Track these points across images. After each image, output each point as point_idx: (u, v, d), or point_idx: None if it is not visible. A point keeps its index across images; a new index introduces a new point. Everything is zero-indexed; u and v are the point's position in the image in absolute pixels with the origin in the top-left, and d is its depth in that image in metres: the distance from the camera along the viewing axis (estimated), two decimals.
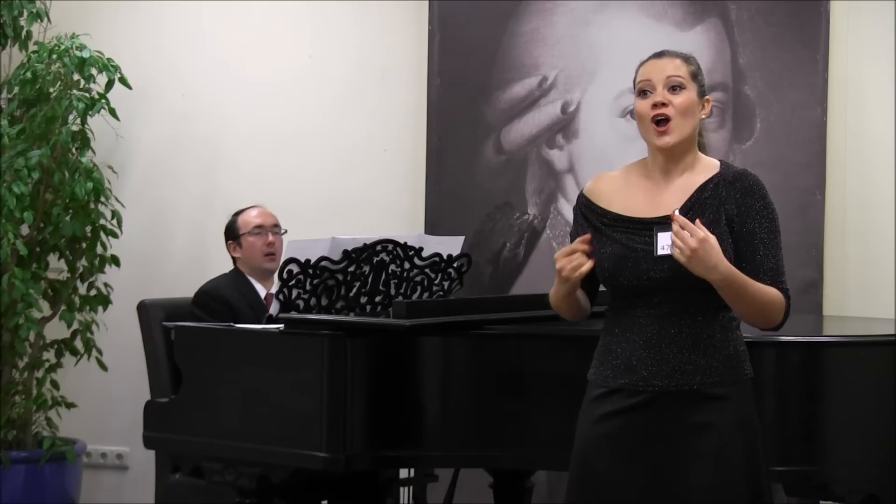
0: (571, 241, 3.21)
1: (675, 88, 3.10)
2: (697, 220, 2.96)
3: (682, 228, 2.93)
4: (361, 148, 5.55)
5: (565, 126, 5.26)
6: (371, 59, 5.54)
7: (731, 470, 3.05)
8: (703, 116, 3.16)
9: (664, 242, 3.01)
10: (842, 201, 5.07)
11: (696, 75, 3.15)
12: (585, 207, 3.20)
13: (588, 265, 3.05)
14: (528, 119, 5.29)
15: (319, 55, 5.60)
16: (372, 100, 5.54)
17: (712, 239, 2.93)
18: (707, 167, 3.15)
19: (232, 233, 4.76)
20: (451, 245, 4.10)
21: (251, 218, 4.74)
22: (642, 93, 3.13)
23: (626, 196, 3.16)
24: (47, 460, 5.28)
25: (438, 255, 4.03)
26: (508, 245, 5.30)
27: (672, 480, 3.05)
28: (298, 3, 5.62)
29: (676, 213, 2.98)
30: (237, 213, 4.79)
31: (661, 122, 3.09)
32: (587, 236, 3.09)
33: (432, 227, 5.21)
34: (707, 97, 3.17)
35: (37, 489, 5.29)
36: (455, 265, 4.09)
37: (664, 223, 3.04)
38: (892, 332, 3.71)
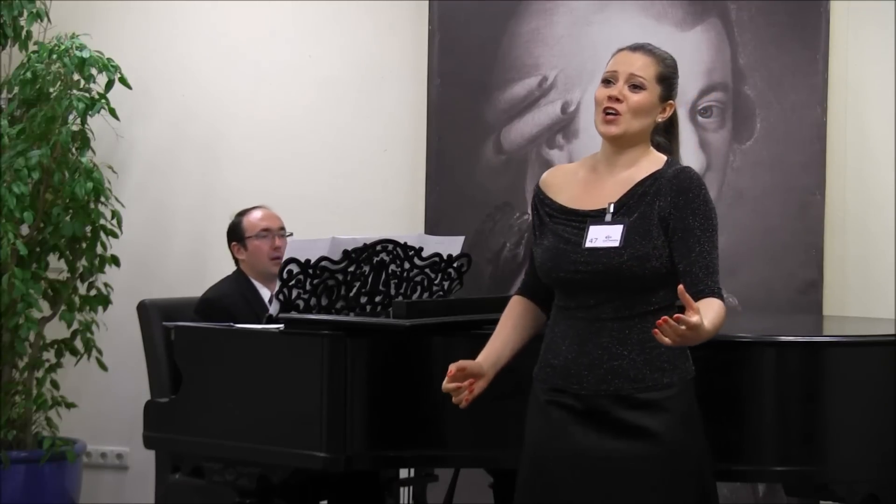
0: (533, 231, 3.25)
1: (635, 87, 3.12)
2: (692, 302, 2.83)
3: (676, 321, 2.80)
4: (361, 148, 5.55)
5: (565, 126, 5.26)
6: (371, 58, 5.54)
7: (676, 473, 3.06)
8: (660, 119, 3.17)
9: (594, 235, 3.06)
10: (842, 201, 5.06)
11: (664, 78, 3.15)
12: (537, 198, 3.24)
13: (463, 404, 3.16)
14: (528, 119, 5.28)
15: (319, 55, 5.59)
16: (372, 99, 5.54)
17: (702, 319, 2.82)
18: (651, 163, 3.15)
19: (236, 235, 4.68)
20: (451, 245, 4.09)
21: (257, 220, 4.66)
22: (606, 81, 3.16)
23: (571, 187, 3.19)
24: (47, 460, 5.28)
25: (438, 255, 4.03)
26: (508, 245, 5.29)
27: (620, 481, 3.05)
28: (298, 3, 5.62)
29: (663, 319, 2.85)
30: (240, 214, 4.71)
31: (611, 114, 3.11)
32: (464, 368, 3.17)
33: (432, 227, 5.21)
34: (671, 101, 3.17)
35: (37, 489, 5.29)
36: (455, 265, 4.08)
37: (598, 216, 3.08)
38: (892, 332, 3.70)
